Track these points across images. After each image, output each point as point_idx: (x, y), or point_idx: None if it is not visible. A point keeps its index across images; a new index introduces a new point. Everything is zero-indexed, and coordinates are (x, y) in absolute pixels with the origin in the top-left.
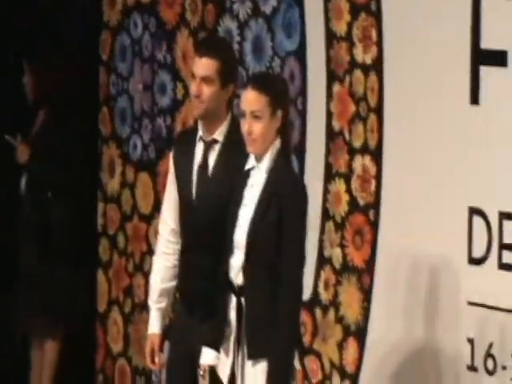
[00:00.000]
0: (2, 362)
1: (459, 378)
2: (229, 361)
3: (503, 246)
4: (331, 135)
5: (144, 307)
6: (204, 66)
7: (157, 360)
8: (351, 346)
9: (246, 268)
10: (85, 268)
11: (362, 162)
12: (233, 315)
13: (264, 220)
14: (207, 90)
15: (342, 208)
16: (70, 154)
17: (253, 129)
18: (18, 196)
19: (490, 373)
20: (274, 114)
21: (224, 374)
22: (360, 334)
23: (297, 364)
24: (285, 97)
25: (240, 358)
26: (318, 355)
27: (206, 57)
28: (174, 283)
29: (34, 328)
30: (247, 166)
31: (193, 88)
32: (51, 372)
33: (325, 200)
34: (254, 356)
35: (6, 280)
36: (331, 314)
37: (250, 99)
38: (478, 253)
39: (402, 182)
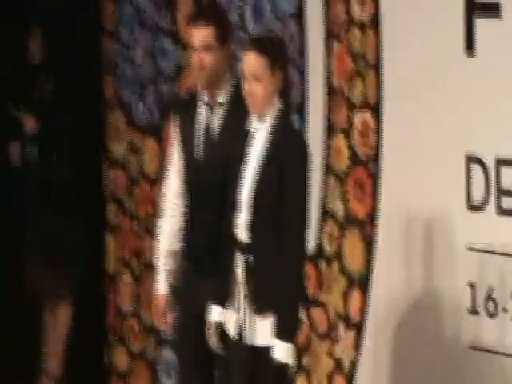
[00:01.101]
0: (15, 324)
1: (461, 322)
2: (236, 316)
3: (501, 192)
4: (331, 93)
5: (152, 268)
6: (201, 35)
7: (166, 319)
8: (355, 296)
9: (252, 225)
10: (94, 231)
11: (361, 118)
12: (239, 272)
13: (268, 179)
14: (208, 59)
15: (344, 162)
16: (76, 121)
17: (254, 90)
18: (24, 162)
19: (491, 315)
20: (273, 74)
21: (232, 328)
22: (363, 284)
23: (303, 316)
24: (284, 58)
25: (248, 313)
26: (324, 306)
27: (201, 26)
28: (180, 244)
29: (46, 289)
30: (250, 127)
31: (194, 59)
32: (64, 332)
33: (327, 155)
34: (262, 311)
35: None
36: (335, 266)
37: (250, 61)
38: (476, 199)
39: (400, 134)
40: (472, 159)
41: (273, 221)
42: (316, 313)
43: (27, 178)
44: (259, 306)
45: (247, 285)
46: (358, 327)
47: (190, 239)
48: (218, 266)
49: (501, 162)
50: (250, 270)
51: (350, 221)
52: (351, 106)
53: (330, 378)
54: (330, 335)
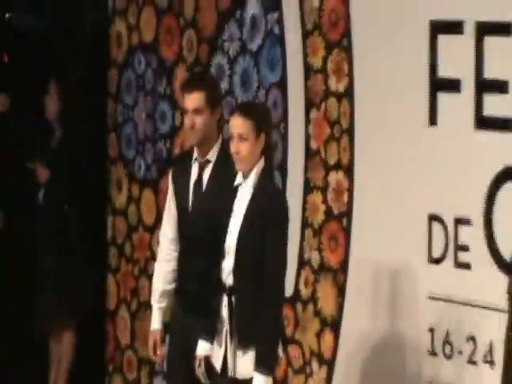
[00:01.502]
0: (23, 353)
1: (421, 362)
2: (221, 351)
3: (458, 248)
4: (309, 154)
5: (148, 306)
6: (193, 99)
7: (158, 352)
8: (328, 336)
9: (236, 270)
10: (96, 271)
11: (336, 177)
12: (224, 312)
13: (251, 229)
14: (199, 120)
15: (319, 217)
16: (83, 173)
17: (240, 149)
18: (36, 207)
19: (448, 357)
20: (258, 136)
21: (217, 362)
22: (335, 325)
23: (280, 352)
24: (267, 121)
25: (231, 348)
26: (299, 344)
27: (193, 91)
28: (173, 285)
29: (53, 323)
30: (236, 182)
31: (186, 121)
32: (68, 361)
33: (304, 210)
34: (244, 346)
35: (27, 284)
36: (310, 308)
37: (238, 124)
38: (436, 254)
39: (370, 194)
40: (433, 218)
41: (255, 266)
42: (292, 350)
43: (40, 225)
44: (241, 341)
45: (231, 323)
46: (330, 364)
47: (181, 282)
48: (205, 307)
49: (458, 221)
50: (233, 310)
51: (324, 269)
52: (327, 167)
53: None
54: (304, 370)
